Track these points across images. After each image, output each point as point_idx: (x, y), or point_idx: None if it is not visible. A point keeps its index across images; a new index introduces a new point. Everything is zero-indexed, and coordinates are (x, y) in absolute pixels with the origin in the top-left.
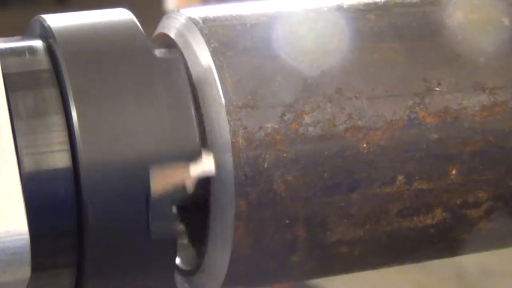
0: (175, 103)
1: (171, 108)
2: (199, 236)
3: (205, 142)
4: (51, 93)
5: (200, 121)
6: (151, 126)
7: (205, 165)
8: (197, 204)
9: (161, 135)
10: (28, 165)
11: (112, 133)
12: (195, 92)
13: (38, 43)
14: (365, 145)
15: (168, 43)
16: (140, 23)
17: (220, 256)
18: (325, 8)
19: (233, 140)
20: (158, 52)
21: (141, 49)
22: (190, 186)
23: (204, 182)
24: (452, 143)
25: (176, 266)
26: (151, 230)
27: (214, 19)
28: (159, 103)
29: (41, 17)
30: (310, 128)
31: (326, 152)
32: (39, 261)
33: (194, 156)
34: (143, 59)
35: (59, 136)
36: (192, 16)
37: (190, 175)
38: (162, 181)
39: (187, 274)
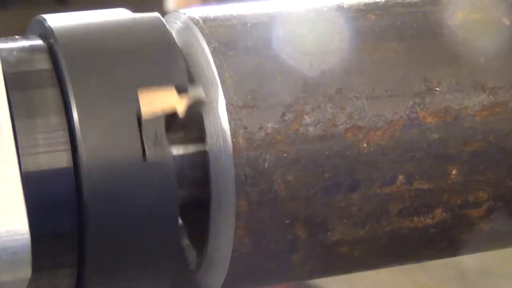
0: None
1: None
2: (199, 236)
3: (205, 142)
4: (52, 93)
5: (200, 121)
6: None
7: (195, 91)
8: (197, 204)
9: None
10: (28, 164)
11: (112, 133)
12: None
13: (38, 43)
14: (365, 145)
15: None
16: None
17: (220, 256)
18: (325, 8)
19: (234, 140)
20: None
21: (142, 49)
22: (181, 110)
23: (205, 182)
24: (452, 143)
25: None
26: (146, 152)
27: (215, 19)
28: None
29: (41, 17)
30: (311, 128)
31: (326, 152)
32: (39, 261)
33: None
34: (144, 59)
35: (60, 136)
36: (192, 16)
37: (180, 99)
38: (151, 103)
39: (188, 274)
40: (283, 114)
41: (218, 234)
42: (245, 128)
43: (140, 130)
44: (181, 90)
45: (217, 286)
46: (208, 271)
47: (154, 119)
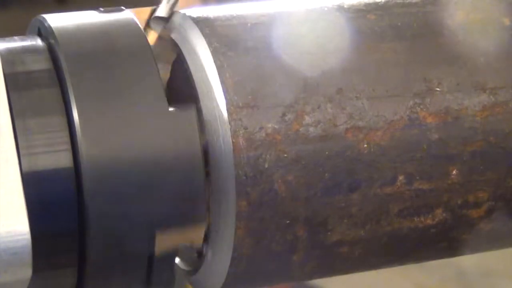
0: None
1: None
2: (199, 236)
3: (205, 143)
4: (52, 93)
5: (201, 121)
6: (152, 126)
7: None
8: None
9: (163, 135)
10: (29, 165)
11: (113, 133)
12: (195, 92)
13: (39, 43)
14: (365, 145)
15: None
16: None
17: (221, 256)
18: (326, 8)
19: (234, 140)
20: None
21: (142, 49)
22: (198, 244)
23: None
24: (452, 143)
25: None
26: (151, 281)
27: (215, 19)
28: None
29: (41, 17)
30: (311, 129)
31: (326, 152)
32: (40, 261)
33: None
34: (144, 59)
35: (60, 136)
36: (193, 16)
37: (198, 236)
38: (167, 242)
39: (188, 274)
40: (284, 114)
41: (218, 234)
42: (245, 128)
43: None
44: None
45: (218, 286)
46: (208, 271)
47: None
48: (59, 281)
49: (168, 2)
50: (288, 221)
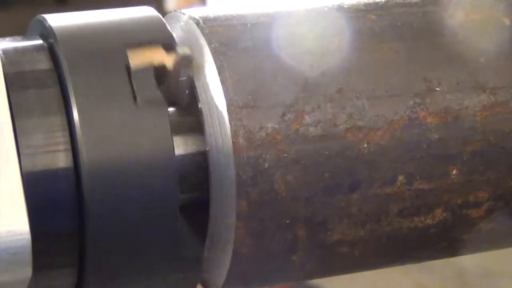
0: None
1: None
2: (199, 236)
3: (205, 143)
4: (52, 93)
5: (201, 121)
6: (152, 126)
7: (183, 49)
8: (197, 204)
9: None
10: (29, 165)
11: (113, 133)
12: (195, 92)
13: (39, 43)
14: (365, 145)
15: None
16: None
17: (221, 256)
18: (326, 8)
19: (234, 140)
20: None
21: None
22: (169, 63)
23: (205, 182)
24: (452, 143)
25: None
26: (137, 96)
27: (215, 19)
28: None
29: (42, 17)
30: (311, 128)
31: (326, 152)
32: (40, 261)
33: None
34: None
35: (60, 136)
36: (193, 16)
37: (168, 55)
38: (140, 57)
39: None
40: (283, 114)
41: (218, 234)
42: (245, 128)
43: (130, 78)
44: (168, 47)
45: (218, 286)
46: (208, 271)
47: (144, 69)
48: (59, 281)
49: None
50: (288, 221)
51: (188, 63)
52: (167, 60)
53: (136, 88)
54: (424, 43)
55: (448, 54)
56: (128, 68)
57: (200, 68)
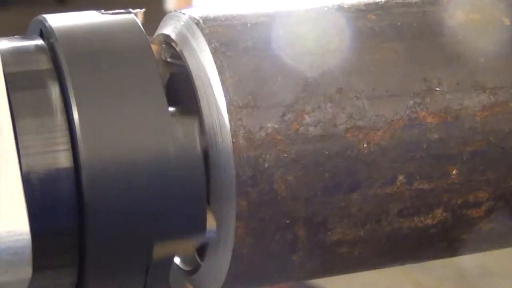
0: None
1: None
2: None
3: (205, 143)
4: (52, 93)
5: (201, 121)
6: (152, 127)
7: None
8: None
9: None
10: (29, 165)
11: (113, 133)
12: (195, 92)
13: (39, 43)
14: (365, 145)
15: (169, 43)
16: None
17: (220, 256)
18: (326, 8)
19: (234, 140)
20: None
21: (142, 49)
22: (192, 252)
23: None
24: (452, 143)
25: (177, 267)
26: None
27: (215, 19)
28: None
29: (42, 17)
30: (311, 128)
31: (326, 152)
32: (40, 261)
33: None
34: (144, 59)
35: (60, 136)
36: (193, 15)
37: (193, 246)
38: (164, 250)
39: (188, 274)
40: (283, 114)
41: (218, 234)
42: (245, 128)
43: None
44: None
45: (218, 286)
46: (208, 271)
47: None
48: (59, 280)
49: None
50: (288, 221)
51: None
52: (191, 249)
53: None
54: (424, 43)
55: (448, 54)
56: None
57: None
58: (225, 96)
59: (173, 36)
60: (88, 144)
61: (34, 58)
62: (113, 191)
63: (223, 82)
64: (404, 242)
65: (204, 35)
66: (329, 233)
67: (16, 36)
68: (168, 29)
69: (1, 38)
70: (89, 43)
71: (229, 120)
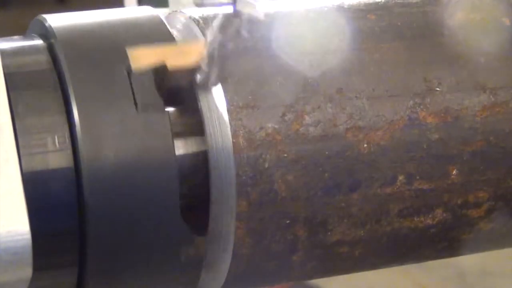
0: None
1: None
2: (200, 236)
3: (205, 143)
4: (52, 93)
5: (201, 122)
6: (151, 127)
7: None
8: (197, 204)
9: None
10: (29, 165)
11: (113, 133)
12: (195, 92)
13: (39, 43)
14: (365, 145)
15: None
16: None
17: (221, 256)
18: (325, 8)
19: (234, 140)
20: None
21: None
22: (170, 63)
23: (205, 182)
24: (452, 143)
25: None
26: (137, 103)
27: (215, 19)
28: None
29: (42, 17)
30: (311, 128)
31: (326, 152)
32: (40, 261)
33: None
34: None
35: (61, 136)
36: (193, 16)
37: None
38: (141, 58)
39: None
40: (284, 114)
41: (218, 234)
42: (245, 128)
43: (131, 84)
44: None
45: (218, 286)
46: (208, 271)
47: (143, 71)
48: (59, 280)
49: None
50: (288, 221)
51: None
52: (169, 60)
53: (136, 90)
54: (424, 43)
55: (448, 54)
56: (128, 69)
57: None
58: (225, 96)
59: (173, 36)
60: (88, 144)
61: (34, 58)
62: (113, 190)
63: (223, 82)
64: (404, 242)
65: (204, 35)
66: (329, 233)
67: (16, 36)
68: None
69: (1, 38)
70: (89, 43)
71: (229, 120)
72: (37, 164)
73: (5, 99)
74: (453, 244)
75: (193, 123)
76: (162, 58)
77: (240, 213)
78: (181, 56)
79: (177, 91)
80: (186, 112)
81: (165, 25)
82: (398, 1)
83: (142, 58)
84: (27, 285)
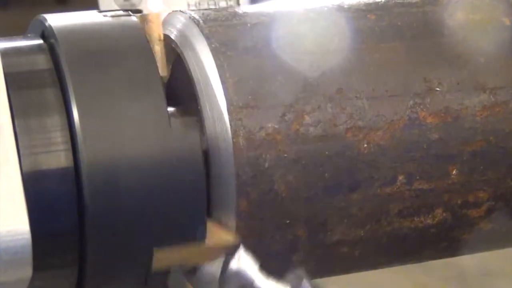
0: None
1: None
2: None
3: (205, 143)
4: (53, 93)
5: (201, 121)
6: (151, 127)
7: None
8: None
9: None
10: (29, 164)
11: (113, 133)
12: (195, 92)
13: (39, 43)
14: (365, 145)
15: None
16: None
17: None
18: (326, 8)
19: (234, 140)
20: None
21: (142, 49)
22: (190, 263)
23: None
24: (452, 143)
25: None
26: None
27: (215, 19)
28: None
29: (42, 16)
30: (311, 128)
31: (326, 152)
32: (40, 261)
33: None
34: (144, 58)
35: (61, 136)
36: (193, 16)
37: (192, 254)
38: (163, 260)
39: (189, 273)
40: (284, 114)
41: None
42: (245, 128)
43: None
44: None
45: (218, 286)
46: (208, 271)
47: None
48: (59, 280)
49: None
50: (288, 221)
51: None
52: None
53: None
54: (424, 43)
55: (448, 54)
56: (147, 273)
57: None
58: (225, 96)
59: (173, 36)
60: (88, 144)
61: (34, 58)
62: (113, 190)
63: (223, 82)
64: (404, 242)
65: (204, 35)
66: (329, 233)
67: (16, 36)
68: (168, 29)
69: (1, 38)
70: (89, 43)
71: (229, 120)
72: (37, 164)
73: (5, 99)
74: (453, 244)
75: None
76: (185, 258)
77: (240, 213)
78: (202, 256)
79: (177, 90)
80: (186, 112)
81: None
82: (398, 1)
83: (165, 259)
84: (27, 285)
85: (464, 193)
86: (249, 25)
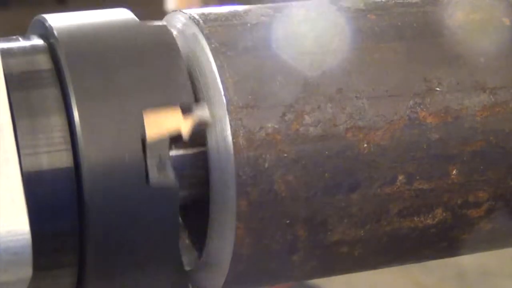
0: (175, 97)
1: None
2: (200, 236)
3: (205, 143)
4: (53, 93)
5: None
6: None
7: (201, 112)
8: (198, 204)
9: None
10: (29, 165)
11: (113, 133)
12: (195, 92)
13: (39, 43)
14: (365, 145)
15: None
16: None
17: (221, 256)
18: (326, 8)
19: (234, 140)
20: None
21: (142, 48)
22: (186, 132)
23: (205, 180)
24: (452, 143)
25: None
26: (150, 176)
27: (215, 19)
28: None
29: (42, 17)
30: (311, 128)
31: (326, 152)
32: (40, 261)
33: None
34: (145, 58)
35: (61, 136)
36: (193, 16)
37: (185, 120)
38: (156, 125)
39: (188, 274)
40: (284, 114)
41: (218, 234)
42: (245, 128)
43: (144, 152)
44: (185, 109)
45: (218, 286)
46: (208, 271)
47: (159, 142)
48: (59, 280)
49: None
50: (288, 221)
51: (205, 125)
52: (184, 127)
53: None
54: (424, 43)
55: (448, 54)
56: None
57: (211, 124)
58: (225, 96)
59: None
60: (88, 144)
61: (34, 58)
62: (113, 190)
63: (223, 82)
64: (404, 242)
65: (204, 35)
66: (329, 233)
67: (16, 36)
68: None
69: (1, 38)
70: (89, 43)
71: (229, 120)
72: (37, 164)
73: (5, 99)
74: (453, 244)
75: None
76: (178, 124)
77: (240, 213)
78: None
79: None
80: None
81: (171, 33)
82: (398, 1)
83: (159, 123)
84: (27, 285)
85: (464, 193)
86: (249, 25)
